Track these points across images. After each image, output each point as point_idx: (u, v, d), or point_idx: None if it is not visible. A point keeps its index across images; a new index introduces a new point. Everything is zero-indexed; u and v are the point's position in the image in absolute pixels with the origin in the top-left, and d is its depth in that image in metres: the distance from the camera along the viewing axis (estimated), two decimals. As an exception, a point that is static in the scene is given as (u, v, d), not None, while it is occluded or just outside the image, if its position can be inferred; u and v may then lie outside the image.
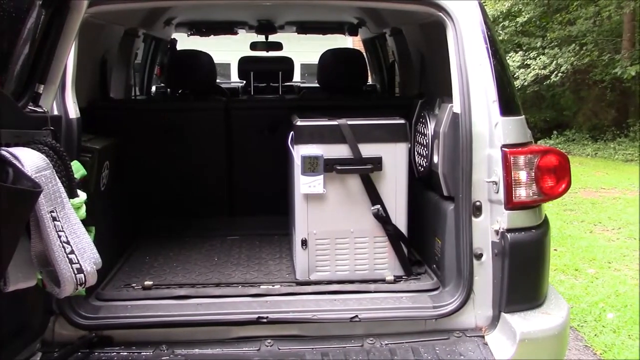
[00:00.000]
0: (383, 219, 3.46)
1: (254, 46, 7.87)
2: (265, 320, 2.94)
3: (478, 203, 2.99)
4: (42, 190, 2.05)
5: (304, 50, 10.13)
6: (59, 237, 2.13)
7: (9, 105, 2.23)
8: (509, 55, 16.73)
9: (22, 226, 2.06)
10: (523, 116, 3.12)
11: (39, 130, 2.44)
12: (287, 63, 7.33)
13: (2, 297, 2.15)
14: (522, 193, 2.94)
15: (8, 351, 2.57)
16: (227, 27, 6.89)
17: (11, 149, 2.06)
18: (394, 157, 3.44)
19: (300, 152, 3.37)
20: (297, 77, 9.42)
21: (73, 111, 2.92)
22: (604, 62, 15.82)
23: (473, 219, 2.99)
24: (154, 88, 7.07)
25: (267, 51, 7.73)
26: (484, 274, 3.00)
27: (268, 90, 7.23)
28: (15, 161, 2.01)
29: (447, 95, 3.25)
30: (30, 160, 2.07)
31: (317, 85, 5.48)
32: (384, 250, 3.50)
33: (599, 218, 8.92)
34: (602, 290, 5.89)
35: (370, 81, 7.02)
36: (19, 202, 1.96)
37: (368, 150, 3.40)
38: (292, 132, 3.46)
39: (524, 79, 16.36)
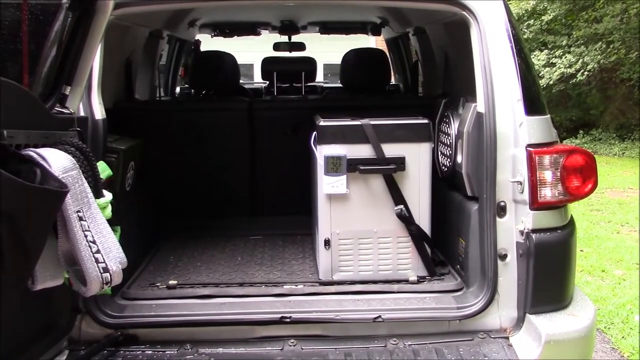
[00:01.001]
0: (406, 219, 3.44)
1: (277, 47, 7.89)
2: (288, 320, 2.95)
3: (502, 203, 2.96)
4: (69, 190, 2.08)
5: (326, 51, 10.13)
6: (86, 236, 2.16)
7: (37, 107, 2.27)
8: (534, 54, 16.54)
9: (49, 226, 2.09)
10: (548, 115, 3.08)
11: (66, 131, 2.47)
12: (310, 63, 7.34)
13: (30, 295, 2.19)
14: (547, 193, 2.91)
15: (36, 349, 2.61)
16: (251, 28, 6.92)
17: (39, 150, 2.09)
18: (417, 157, 3.43)
19: (323, 152, 3.38)
20: (319, 77, 9.43)
21: (99, 112, 2.96)
22: (631, 60, 15.56)
23: (497, 219, 2.97)
24: (178, 89, 7.13)
25: (290, 52, 7.75)
26: (509, 275, 2.97)
27: (291, 90, 7.25)
28: (42, 162, 2.04)
29: (471, 95, 3.23)
30: (57, 161, 2.10)
31: (340, 85, 5.48)
32: (407, 250, 3.49)
33: (627, 219, 8.78)
34: (629, 292, 5.80)
35: (393, 81, 7.00)
36: (47, 202, 1.99)
37: (391, 150, 3.39)
38: (315, 132, 3.46)
39: (550, 78, 16.15)
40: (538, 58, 16.43)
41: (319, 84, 8.38)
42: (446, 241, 3.62)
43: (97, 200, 2.31)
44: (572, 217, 3.13)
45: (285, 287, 3.34)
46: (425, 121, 3.46)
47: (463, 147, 3.32)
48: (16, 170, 1.91)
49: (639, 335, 4.87)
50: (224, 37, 7.03)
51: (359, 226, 3.46)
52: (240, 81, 5.89)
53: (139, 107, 4.57)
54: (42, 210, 1.98)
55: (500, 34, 3.03)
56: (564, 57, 16.22)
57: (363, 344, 2.93)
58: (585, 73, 15.80)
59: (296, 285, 3.37)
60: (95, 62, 2.87)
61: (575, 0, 16.72)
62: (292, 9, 5.73)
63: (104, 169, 2.62)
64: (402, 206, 3.43)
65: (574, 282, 3.12)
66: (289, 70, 7.21)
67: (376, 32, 6.72)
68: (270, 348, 2.91)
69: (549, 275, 2.95)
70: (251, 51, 11.30)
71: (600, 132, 17.22)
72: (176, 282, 3.41)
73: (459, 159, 3.38)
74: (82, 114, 2.85)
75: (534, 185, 2.88)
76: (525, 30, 16.91)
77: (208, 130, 4.43)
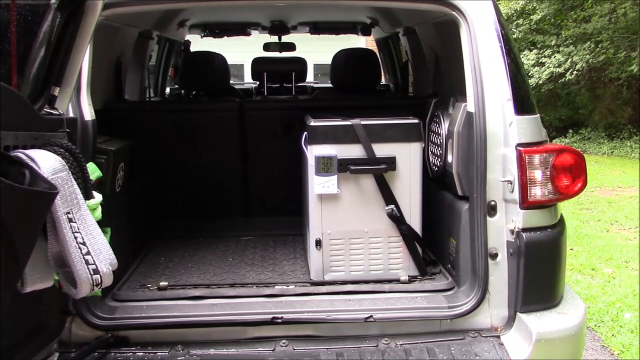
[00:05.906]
0: (397, 219, 3.45)
1: (267, 47, 7.88)
2: (280, 320, 2.95)
3: (493, 202, 2.97)
4: (59, 191, 2.07)
5: (317, 51, 10.14)
6: (75, 238, 2.15)
7: (26, 108, 2.26)
8: (524, 53, 16.61)
9: (38, 228, 2.07)
10: (538, 115, 3.10)
11: (55, 133, 2.46)
12: (300, 63, 7.34)
13: (19, 297, 2.17)
14: (537, 192, 2.92)
15: (26, 351, 2.59)
16: (241, 28, 6.91)
17: (27, 151, 2.08)
18: (408, 157, 3.43)
19: (314, 152, 3.37)
20: (310, 77, 9.42)
21: (88, 113, 2.95)
22: (619, 59, 15.66)
23: (488, 218, 2.98)
24: (168, 89, 7.11)
25: (280, 52, 7.74)
26: (500, 274, 2.98)
27: (281, 90, 7.25)
28: (31, 163, 2.03)
29: (461, 95, 3.24)
30: (47, 162, 2.09)
31: (330, 85, 5.48)
32: (398, 250, 3.50)
33: (616, 217, 8.84)
34: (619, 290, 5.84)
35: (383, 81, 7.01)
36: (36, 204, 1.98)
37: (382, 150, 3.39)
38: (305, 133, 3.46)
39: (539, 77, 16.23)
40: (527, 57, 16.50)
41: (309, 84, 8.37)
42: (437, 241, 3.63)
43: (87, 201, 2.30)
44: (562, 216, 3.14)
45: (276, 287, 3.34)
46: (416, 121, 3.47)
47: (453, 147, 3.33)
48: (5, 171, 1.90)
49: (634, 333, 4.90)
50: (214, 37, 7.01)
51: (350, 226, 3.46)
52: (231, 82, 5.88)
53: (128, 108, 4.55)
54: (32, 212, 1.97)
55: (490, 34, 3.04)
56: (553, 56, 16.31)
57: (355, 344, 2.93)
58: (574, 72, 15.90)
59: (287, 286, 3.37)
60: (85, 62, 2.86)
61: (564, 0, 16.81)
62: (282, 9, 5.73)
63: (93, 170, 2.61)
64: (393, 206, 3.43)
65: (564, 280, 3.13)
66: (279, 71, 7.20)
67: (366, 32, 6.72)
68: (262, 349, 2.90)
69: (539, 274, 2.96)
70: (241, 51, 11.29)
71: (589, 131, 17.33)
72: (167, 283, 3.40)
73: (449, 158, 3.39)
74: (71, 115, 2.83)
75: (524, 184, 2.90)
76: (515, 30, 16.99)
77: (199, 131, 4.42)
